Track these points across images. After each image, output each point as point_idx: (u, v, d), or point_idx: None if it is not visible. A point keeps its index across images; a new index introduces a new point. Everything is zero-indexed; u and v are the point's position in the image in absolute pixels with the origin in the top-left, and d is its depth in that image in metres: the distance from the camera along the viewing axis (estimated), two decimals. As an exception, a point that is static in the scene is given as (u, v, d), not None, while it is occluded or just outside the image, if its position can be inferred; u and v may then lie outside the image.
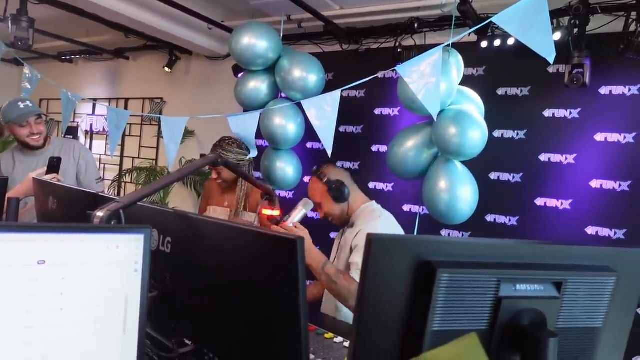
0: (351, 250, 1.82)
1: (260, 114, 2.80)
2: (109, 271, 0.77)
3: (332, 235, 3.61)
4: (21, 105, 2.40)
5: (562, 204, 2.82)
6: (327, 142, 2.20)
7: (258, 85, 3.11)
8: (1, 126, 2.23)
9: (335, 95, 2.18)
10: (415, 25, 3.18)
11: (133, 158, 5.08)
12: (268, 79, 3.14)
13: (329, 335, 1.44)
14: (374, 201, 1.98)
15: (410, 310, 0.75)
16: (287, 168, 3.22)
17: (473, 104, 2.63)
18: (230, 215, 2.54)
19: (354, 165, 3.60)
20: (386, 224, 1.83)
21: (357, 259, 1.76)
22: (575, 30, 2.61)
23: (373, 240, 0.73)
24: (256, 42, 2.85)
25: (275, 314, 0.83)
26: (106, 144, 5.33)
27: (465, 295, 0.75)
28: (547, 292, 0.78)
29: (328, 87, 3.23)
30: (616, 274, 0.81)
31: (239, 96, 3.19)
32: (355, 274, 1.73)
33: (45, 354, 0.72)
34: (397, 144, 2.78)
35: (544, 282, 0.78)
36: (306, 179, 3.76)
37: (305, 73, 2.97)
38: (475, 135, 2.38)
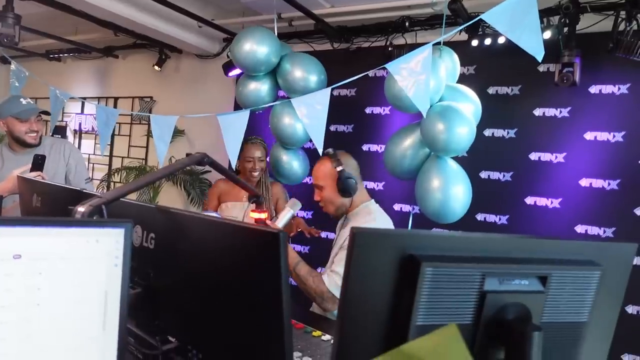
0: (340, 248, 1.83)
1: (257, 112, 2.79)
2: (88, 266, 0.76)
3: (323, 234, 3.61)
4: (23, 102, 2.43)
5: (551, 202, 2.83)
6: (318, 140, 2.19)
7: (259, 87, 3.09)
8: None
9: (325, 93, 2.17)
10: (406, 24, 3.19)
11: (122, 157, 5.04)
12: (268, 80, 3.12)
13: (317, 333, 1.43)
14: (372, 200, 1.97)
15: (394, 305, 0.74)
16: (293, 162, 3.20)
17: (471, 103, 2.63)
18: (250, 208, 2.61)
19: (345, 164, 3.59)
20: (380, 225, 1.83)
21: (337, 266, 1.77)
22: (565, 29, 2.62)
23: (357, 235, 0.72)
24: (257, 48, 2.83)
25: (258, 309, 0.82)
26: (95, 143, 5.28)
27: (449, 289, 0.74)
28: (532, 287, 0.78)
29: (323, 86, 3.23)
30: (601, 268, 0.81)
31: (240, 97, 3.17)
32: (329, 275, 1.75)
33: (22, 349, 0.70)
34: (394, 143, 2.77)
35: (528, 277, 0.78)
36: (309, 179, 3.75)
37: (306, 74, 2.98)
38: (462, 131, 2.38)
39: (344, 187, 1.85)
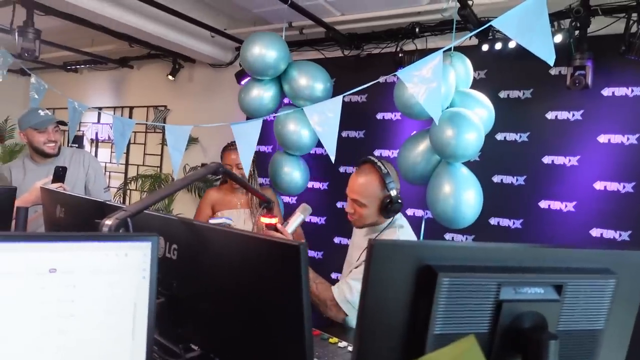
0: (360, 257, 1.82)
1: (266, 120, 2.83)
2: (117, 278, 0.79)
3: (337, 240, 3.63)
4: (41, 113, 2.51)
5: (566, 206, 2.82)
6: (330, 147, 2.21)
7: (262, 94, 3.15)
8: (2, 133, 2.28)
9: (337, 101, 2.20)
10: (417, 30, 3.20)
11: (138, 165, 5.12)
12: (272, 87, 3.18)
13: (334, 340, 1.45)
14: (399, 213, 1.87)
15: (412, 314, 0.76)
16: (294, 173, 3.25)
17: (484, 108, 2.64)
18: (249, 216, 2.64)
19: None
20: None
21: (352, 280, 1.72)
22: (577, 32, 2.62)
23: (375, 246, 0.75)
24: (266, 52, 2.90)
25: (279, 319, 0.84)
26: (111, 152, 5.38)
27: (466, 299, 0.76)
28: (548, 295, 0.79)
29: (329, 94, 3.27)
30: (616, 276, 0.82)
31: (242, 104, 3.23)
32: (340, 284, 1.73)
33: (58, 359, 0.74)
34: (407, 149, 2.79)
35: (544, 285, 0.80)
36: (309, 184, 3.78)
37: (312, 81, 3.05)
38: (471, 136, 2.39)
39: (389, 210, 1.73)
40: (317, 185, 3.78)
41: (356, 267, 1.81)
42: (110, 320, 0.79)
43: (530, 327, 0.77)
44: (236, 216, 2.73)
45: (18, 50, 3.19)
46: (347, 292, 1.70)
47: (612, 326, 0.83)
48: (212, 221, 1.23)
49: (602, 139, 2.75)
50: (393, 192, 1.72)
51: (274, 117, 3.20)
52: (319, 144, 2.59)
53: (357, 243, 1.96)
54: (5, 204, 1.73)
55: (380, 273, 0.76)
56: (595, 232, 2.72)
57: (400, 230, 1.83)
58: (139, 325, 0.82)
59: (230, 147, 2.70)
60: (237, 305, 0.93)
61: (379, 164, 1.76)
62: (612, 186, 2.70)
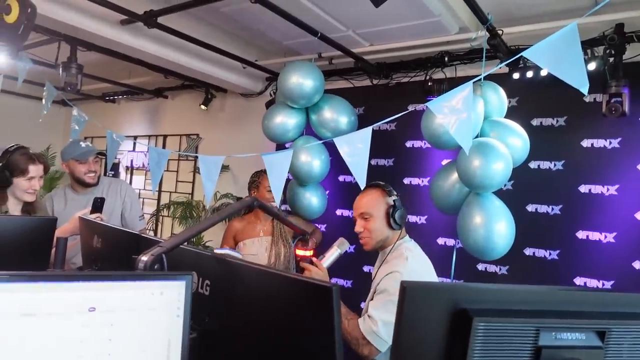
0: (375, 292, 1.79)
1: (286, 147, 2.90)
2: (153, 317, 0.81)
3: (365, 268, 3.59)
4: (83, 145, 2.64)
5: (605, 237, 2.71)
6: (360, 177, 2.21)
7: (285, 120, 3.24)
8: (47, 163, 2.38)
9: (367, 132, 2.20)
10: (446, 59, 3.21)
11: (170, 192, 5.25)
12: (298, 115, 3.25)
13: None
14: (407, 236, 1.92)
15: (447, 359, 0.74)
16: (312, 198, 3.31)
17: (518, 137, 2.61)
18: (270, 243, 2.66)
19: (386, 197, 3.60)
20: (415, 270, 1.77)
21: (372, 310, 1.71)
22: (611, 59, 2.57)
23: (407, 289, 0.74)
24: (304, 81, 3.00)
25: (310, 358, 0.84)
26: (145, 179, 5.54)
27: (503, 344, 0.74)
28: (590, 342, 0.76)
29: (359, 121, 3.30)
30: (664, 322, 0.78)
31: (266, 130, 3.32)
32: (365, 319, 1.71)
33: (93, 398, 0.75)
34: (440, 178, 2.77)
35: (585, 331, 0.77)
36: (338, 211, 3.78)
37: (337, 115, 3.19)
38: (498, 166, 2.35)
39: (395, 220, 1.82)
40: (346, 213, 3.77)
41: (372, 299, 1.78)
42: (145, 357, 0.80)
43: (573, 375, 0.74)
44: (258, 244, 2.75)
45: (62, 84, 3.37)
46: (372, 325, 1.68)
47: (662, 376, 0.79)
48: (216, 251, 1.24)
49: (643, 167, 2.65)
50: (397, 199, 1.85)
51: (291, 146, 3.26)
52: (347, 172, 2.60)
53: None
54: (46, 234, 1.79)
55: (413, 316, 0.75)
56: (638, 265, 2.59)
57: (409, 252, 1.81)
58: (173, 363, 0.83)
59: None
60: (268, 343, 0.93)
61: (381, 184, 1.92)
62: (655, 216, 2.59)
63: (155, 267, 0.99)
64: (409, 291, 0.74)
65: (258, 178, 2.90)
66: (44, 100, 3.49)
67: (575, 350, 0.76)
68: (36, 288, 0.71)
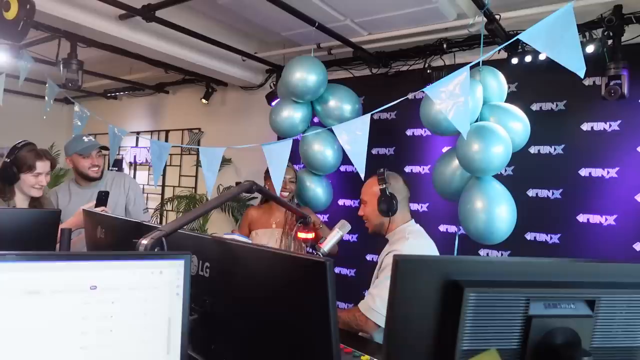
0: (380, 270, 1.86)
1: (294, 140, 2.90)
2: (153, 295, 0.83)
3: (369, 257, 3.61)
4: (85, 139, 2.66)
5: (606, 219, 2.72)
6: (360, 165, 2.23)
7: (292, 114, 3.23)
8: (53, 159, 2.42)
9: (365, 119, 2.22)
10: (444, 46, 3.21)
11: (174, 187, 5.28)
12: (304, 108, 3.25)
13: (365, 357, 1.44)
14: (412, 221, 1.99)
15: (439, 330, 0.76)
16: (317, 189, 3.32)
17: (519, 121, 2.61)
18: (280, 235, 2.69)
19: (388, 186, 3.61)
20: (414, 245, 1.83)
21: (372, 288, 1.81)
22: (610, 41, 2.56)
23: (399, 262, 0.75)
24: (308, 76, 3.00)
25: (307, 334, 0.86)
26: (149, 174, 5.58)
27: (494, 314, 0.75)
28: (580, 311, 0.78)
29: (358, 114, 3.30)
30: (653, 290, 0.79)
31: (273, 125, 3.31)
32: (365, 298, 1.78)
33: (97, 373, 0.78)
34: (442, 165, 2.78)
35: (575, 300, 0.78)
36: (340, 201, 3.80)
37: (341, 103, 3.19)
38: (498, 150, 2.35)
39: (382, 206, 1.90)
40: (348, 202, 3.79)
41: (377, 277, 1.87)
42: (146, 335, 0.82)
43: (563, 343, 0.76)
44: (269, 235, 2.77)
45: (63, 80, 3.39)
46: (369, 301, 1.74)
47: (652, 343, 0.80)
48: (225, 236, 1.28)
49: (643, 149, 2.65)
50: (383, 188, 1.91)
51: (300, 137, 3.27)
52: (349, 162, 2.62)
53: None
54: (51, 227, 1.82)
55: (406, 289, 0.77)
56: (639, 247, 2.60)
57: (411, 234, 1.88)
58: (173, 340, 0.85)
59: None
60: (267, 321, 0.95)
61: (381, 172, 1.99)
62: (656, 198, 2.59)
63: (156, 249, 1.02)
64: (401, 264, 0.75)
65: None
66: (46, 98, 3.52)
67: (565, 319, 0.77)
68: (40, 267, 0.74)
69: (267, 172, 2.90)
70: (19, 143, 2.29)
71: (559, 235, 2.87)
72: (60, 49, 3.46)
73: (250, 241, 1.68)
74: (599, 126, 2.79)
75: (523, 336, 0.75)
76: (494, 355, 0.49)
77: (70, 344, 0.75)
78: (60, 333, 0.74)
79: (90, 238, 1.88)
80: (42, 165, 2.28)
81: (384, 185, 1.92)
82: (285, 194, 2.81)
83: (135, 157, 5.73)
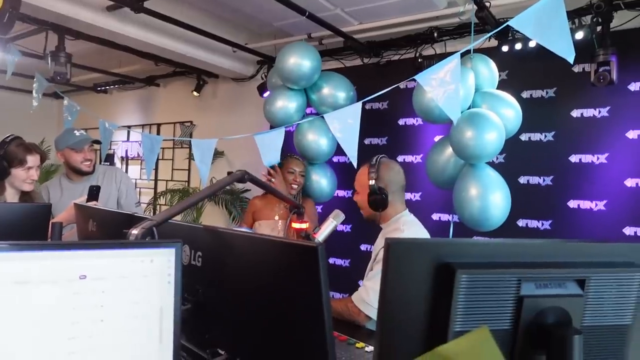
0: (374, 258, 1.86)
1: (289, 130, 2.89)
2: (144, 284, 0.82)
3: (363, 247, 3.62)
4: (77, 133, 2.61)
5: (596, 205, 2.74)
6: (352, 153, 2.23)
7: (286, 104, 3.21)
8: (43, 153, 2.40)
9: (357, 108, 2.22)
10: (435, 35, 3.20)
11: (166, 180, 5.26)
12: (298, 97, 3.24)
13: (360, 344, 1.45)
14: (406, 210, 1.96)
15: (432, 313, 0.76)
16: (321, 180, 3.30)
17: (511, 108, 2.62)
18: (281, 227, 2.69)
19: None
20: (410, 236, 1.84)
21: (366, 280, 1.80)
22: (599, 27, 2.57)
23: (391, 245, 0.75)
24: (302, 62, 2.97)
25: (301, 320, 0.86)
26: (141, 168, 5.54)
27: (486, 295, 0.76)
28: (570, 290, 0.78)
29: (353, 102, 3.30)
30: (642, 269, 0.80)
31: (268, 115, 3.30)
32: (359, 290, 1.78)
33: (89, 363, 0.77)
34: (435, 153, 2.78)
35: (566, 280, 0.79)
36: (339, 192, 3.80)
37: (335, 90, 3.17)
38: (491, 136, 2.36)
39: (372, 203, 1.87)
40: (341, 193, 3.79)
41: (371, 269, 1.86)
42: (137, 324, 0.82)
43: (554, 323, 0.76)
44: (272, 227, 2.77)
45: (51, 74, 3.35)
46: (363, 294, 1.74)
47: (641, 321, 0.81)
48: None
49: (631, 134, 2.67)
50: (373, 184, 1.86)
51: (289, 126, 3.25)
52: (342, 152, 2.62)
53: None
54: (41, 221, 1.80)
55: (398, 272, 0.77)
56: (628, 231, 2.63)
57: (406, 225, 1.86)
58: (166, 330, 0.85)
59: (295, 156, 2.88)
60: (261, 309, 0.95)
61: (373, 160, 1.92)
62: (645, 183, 2.61)
63: (147, 239, 1.01)
64: (393, 247, 0.75)
65: (283, 159, 2.91)
66: (34, 92, 3.48)
67: (556, 299, 0.78)
68: (28, 257, 0.73)
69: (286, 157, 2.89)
70: (7, 137, 2.26)
71: (550, 221, 2.90)
72: (48, 42, 3.41)
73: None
74: (589, 112, 2.81)
75: (515, 317, 0.76)
76: (485, 333, 0.49)
77: (60, 335, 0.75)
78: (49, 324, 0.74)
79: (82, 232, 1.87)
80: (32, 159, 2.27)
81: (373, 181, 1.86)
82: (295, 186, 2.82)
83: (127, 151, 5.69)
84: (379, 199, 1.85)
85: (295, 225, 1.80)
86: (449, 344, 0.50)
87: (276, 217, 2.78)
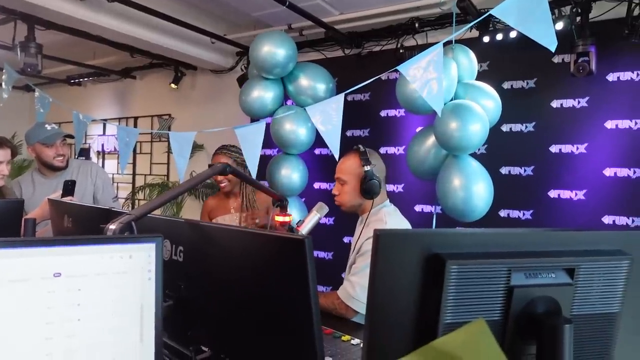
0: (358, 251, 1.83)
1: (268, 122, 2.85)
2: (123, 280, 0.79)
3: (346, 239, 3.61)
4: (48, 127, 2.51)
5: (576, 194, 2.78)
6: (334, 146, 2.20)
7: (262, 94, 3.17)
8: (14, 147, 2.31)
9: (339, 99, 2.19)
10: (416, 25, 3.19)
11: (145, 175, 5.15)
12: (274, 87, 3.20)
13: (346, 337, 1.43)
14: (387, 201, 1.96)
15: (421, 304, 0.75)
16: (293, 174, 3.28)
17: (491, 99, 2.63)
18: (241, 217, 2.61)
19: (363, 168, 3.61)
20: (395, 227, 1.83)
21: (351, 275, 1.78)
22: (578, 18, 2.59)
23: (380, 236, 0.73)
24: (276, 50, 2.93)
25: (288, 314, 0.83)
26: (118, 162, 5.41)
27: (476, 286, 0.75)
28: (560, 279, 0.78)
29: (333, 93, 3.27)
30: (630, 257, 0.80)
31: (244, 106, 3.25)
32: (344, 285, 1.77)
33: (65, 365, 0.73)
34: (416, 144, 2.78)
35: (555, 269, 0.78)
36: (316, 185, 3.77)
37: (314, 82, 3.13)
38: (475, 127, 2.37)
39: (367, 189, 1.81)
40: (324, 185, 3.77)
41: (353, 262, 1.83)
42: (117, 322, 0.78)
43: (544, 312, 0.76)
44: (229, 220, 2.70)
45: (21, 65, 3.22)
46: (349, 289, 1.72)
47: (629, 308, 0.81)
48: None
49: (610, 124, 2.71)
50: (369, 169, 1.82)
51: (270, 119, 3.22)
52: (324, 145, 2.59)
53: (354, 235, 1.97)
54: (13, 217, 1.74)
55: (387, 263, 0.75)
56: (607, 220, 2.68)
57: (388, 216, 1.85)
58: (147, 327, 0.81)
59: (218, 150, 2.63)
60: (246, 304, 0.92)
61: (360, 147, 1.89)
62: (623, 172, 2.66)
63: (125, 234, 0.97)
64: (382, 239, 0.73)
65: (213, 157, 2.78)
66: (3, 84, 3.34)
67: (546, 288, 0.77)
68: (-4, 255, 0.68)
69: (219, 149, 2.65)
70: None
71: (531, 211, 2.93)
72: (17, 32, 3.28)
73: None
74: (568, 103, 2.84)
75: (505, 307, 0.75)
76: (481, 325, 0.47)
77: (34, 335, 0.71)
78: (23, 324, 0.70)
79: (57, 228, 1.81)
80: (2, 154, 2.18)
81: (369, 167, 1.82)
82: (223, 184, 2.56)
83: (103, 145, 5.55)
84: (375, 185, 1.81)
85: (279, 218, 1.77)
86: (445, 337, 0.48)
87: (232, 210, 2.69)
